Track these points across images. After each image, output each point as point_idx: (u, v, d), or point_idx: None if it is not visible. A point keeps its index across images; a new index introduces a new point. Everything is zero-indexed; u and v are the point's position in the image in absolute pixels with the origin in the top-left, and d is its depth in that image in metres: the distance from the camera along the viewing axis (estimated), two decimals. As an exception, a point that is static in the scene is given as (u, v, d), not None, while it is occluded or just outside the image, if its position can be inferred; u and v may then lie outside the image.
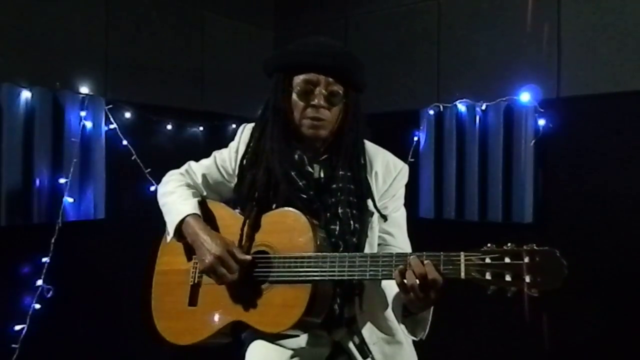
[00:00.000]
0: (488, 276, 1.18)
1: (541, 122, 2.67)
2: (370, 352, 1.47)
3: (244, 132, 1.62)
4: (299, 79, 1.48)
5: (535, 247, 1.17)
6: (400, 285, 1.25)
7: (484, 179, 2.83)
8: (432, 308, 1.37)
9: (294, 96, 1.49)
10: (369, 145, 1.60)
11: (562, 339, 2.62)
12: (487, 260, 1.19)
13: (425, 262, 1.23)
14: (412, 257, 1.25)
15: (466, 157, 2.89)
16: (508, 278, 1.16)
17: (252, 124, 1.61)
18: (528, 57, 2.76)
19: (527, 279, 1.15)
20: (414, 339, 1.42)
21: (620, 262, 2.52)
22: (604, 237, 2.56)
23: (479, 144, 2.84)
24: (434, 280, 1.21)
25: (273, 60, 1.57)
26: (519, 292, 1.16)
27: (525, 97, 2.71)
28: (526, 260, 1.16)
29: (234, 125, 3.12)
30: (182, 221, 1.51)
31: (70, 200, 2.56)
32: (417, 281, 1.22)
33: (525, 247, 1.17)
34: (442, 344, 2.87)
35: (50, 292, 2.45)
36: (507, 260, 1.17)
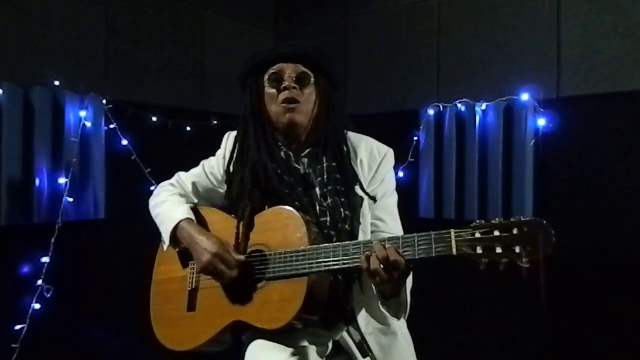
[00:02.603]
0: (479, 250, 1.21)
1: (541, 122, 2.67)
2: (370, 350, 1.48)
3: (229, 140, 1.67)
4: (267, 75, 1.55)
5: (522, 219, 1.20)
6: (367, 270, 1.30)
7: (484, 179, 2.83)
8: (409, 289, 1.41)
9: (266, 90, 1.55)
10: (352, 135, 1.63)
11: (562, 338, 2.62)
12: (477, 235, 1.21)
13: (387, 246, 1.28)
14: (375, 242, 1.31)
15: (466, 157, 2.89)
16: (499, 250, 1.19)
17: (236, 132, 1.64)
18: (528, 57, 2.76)
19: (517, 249, 1.18)
20: (397, 319, 1.45)
21: (621, 261, 2.52)
22: (604, 236, 2.56)
23: (479, 144, 2.84)
24: (395, 262, 1.26)
25: (243, 70, 1.63)
26: (510, 264, 1.19)
27: (525, 97, 2.71)
28: (515, 231, 1.19)
29: (234, 126, 3.12)
30: (176, 227, 1.53)
31: (70, 200, 2.55)
32: (381, 265, 1.27)
33: (513, 220, 1.21)
34: (438, 337, 2.88)
35: (50, 292, 2.44)
36: (496, 233, 1.20)
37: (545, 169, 2.71)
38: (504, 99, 2.78)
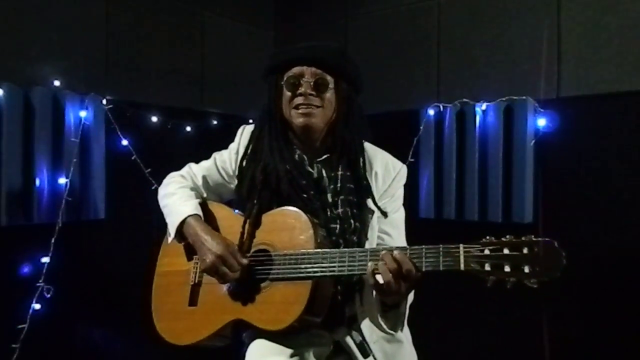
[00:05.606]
0: (487, 267, 1.19)
1: (541, 122, 2.67)
2: (371, 351, 1.47)
3: (244, 134, 1.65)
4: (287, 75, 1.53)
5: (533, 238, 1.18)
6: (374, 284, 1.28)
7: (484, 179, 2.82)
8: (408, 303, 1.40)
9: (284, 90, 1.53)
10: (368, 146, 1.62)
11: (562, 338, 2.62)
12: (486, 252, 1.20)
13: (396, 253, 1.26)
14: (384, 252, 1.28)
15: (466, 157, 2.89)
16: (507, 269, 1.18)
17: (252, 126, 1.63)
18: (528, 57, 2.76)
19: (526, 269, 1.16)
20: (393, 333, 1.44)
21: (621, 261, 2.52)
22: (604, 236, 2.56)
23: (479, 144, 2.84)
24: (408, 271, 1.24)
25: (266, 65, 1.61)
26: (518, 283, 1.17)
27: (525, 97, 2.71)
28: (525, 251, 1.17)
29: (234, 125, 3.13)
30: (183, 222, 1.52)
31: (70, 200, 2.55)
32: (391, 273, 1.25)
33: (523, 238, 1.19)
34: (440, 344, 2.87)
35: (50, 292, 2.44)
36: (506, 251, 1.19)
37: (545, 169, 2.71)
38: (504, 99, 2.77)
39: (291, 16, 3.72)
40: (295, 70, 1.52)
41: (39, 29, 2.55)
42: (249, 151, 1.59)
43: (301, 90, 1.49)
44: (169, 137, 3.02)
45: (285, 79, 1.53)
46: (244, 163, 1.58)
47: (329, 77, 1.51)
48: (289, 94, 1.52)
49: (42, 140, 2.48)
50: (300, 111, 1.50)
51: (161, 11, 3.08)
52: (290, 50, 1.57)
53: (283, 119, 1.55)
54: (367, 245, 1.50)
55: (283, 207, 1.47)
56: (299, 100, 1.50)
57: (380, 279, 1.27)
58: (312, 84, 1.50)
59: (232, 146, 1.66)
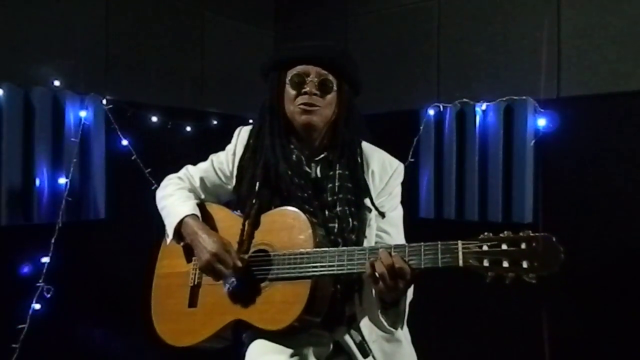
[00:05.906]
0: (486, 263, 1.19)
1: (541, 122, 2.67)
2: (371, 350, 1.48)
3: (241, 134, 1.65)
4: (291, 72, 1.52)
5: (531, 234, 1.18)
6: (371, 276, 1.29)
7: (484, 179, 2.83)
8: (407, 300, 1.40)
9: (287, 88, 1.53)
10: (365, 145, 1.62)
11: (562, 337, 2.62)
12: (485, 248, 1.20)
13: (393, 253, 1.27)
14: (381, 249, 1.29)
15: (466, 157, 2.89)
16: (506, 264, 1.18)
17: (248, 127, 1.64)
18: (528, 57, 2.76)
19: (525, 264, 1.16)
20: (393, 330, 1.44)
21: (621, 261, 2.52)
22: (604, 236, 2.56)
23: (479, 144, 2.84)
24: (401, 269, 1.26)
25: (267, 61, 1.61)
26: (516, 278, 1.17)
27: (525, 97, 2.71)
28: (523, 246, 1.17)
29: (233, 125, 3.13)
30: (180, 222, 1.52)
31: (70, 200, 2.55)
32: (386, 271, 1.26)
33: (521, 234, 1.19)
34: (440, 344, 2.87)
35: (50, 292, 2.44)
36: (504, 247, 1.19)
37: (545, 169, 2.71)
38: (504, 99, 2.77)
39: (291, 16, 3.72)
40: (300, 68, 1.52)
41: (39, 29, 2.55)
42: (248, 150, 1.58)
43: (306, 89, 1.49)
44: (169, 137, 3.02)
45: (289, 76, 1.52)
46: (244, 162, 1.58)
47: (332, 78, 1.52)
48: (293, 92, 1.51)
49: (42, 140, 2.48)
50: (303, 109, 1.49)
51: (161, 11, 3.08)
52: (297, 48, 1.57)
53: (285, 116, 1.55)
54: (366, 244, 1.49)
55: (282, 207, 1.47)
56: (303, 98, 1.49)
57: (376, 274, 1.28)
58: (317, 83, 1.49)
59: (229, 147, 1.66)
